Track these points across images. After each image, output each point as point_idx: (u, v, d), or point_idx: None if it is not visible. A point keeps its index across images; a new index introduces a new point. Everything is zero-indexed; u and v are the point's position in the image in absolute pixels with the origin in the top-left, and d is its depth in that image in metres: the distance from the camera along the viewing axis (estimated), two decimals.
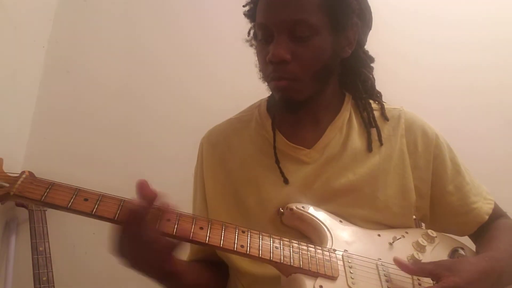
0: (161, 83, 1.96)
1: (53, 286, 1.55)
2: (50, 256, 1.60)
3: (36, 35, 1.88)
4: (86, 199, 0.74)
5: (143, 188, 0.73)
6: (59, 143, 1.85)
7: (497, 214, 1.05)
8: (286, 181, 0.95)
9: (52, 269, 1.58)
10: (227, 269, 1.04)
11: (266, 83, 0.97)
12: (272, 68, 0.90)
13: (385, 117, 1.03)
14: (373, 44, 1.06)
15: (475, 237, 1.05)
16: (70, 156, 1.85)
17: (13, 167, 1.69)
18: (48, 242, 1.63)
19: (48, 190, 0.73)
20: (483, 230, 1.02)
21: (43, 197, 0.72)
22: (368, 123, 1.01)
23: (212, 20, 2.01)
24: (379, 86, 1.08)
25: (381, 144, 0.99)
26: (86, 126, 1.89)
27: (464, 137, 1.71)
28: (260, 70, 0.97)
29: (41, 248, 1.61)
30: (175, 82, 1.96)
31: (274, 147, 0.98)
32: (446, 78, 1.98)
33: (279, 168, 0.96)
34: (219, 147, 1.06)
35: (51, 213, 1.69)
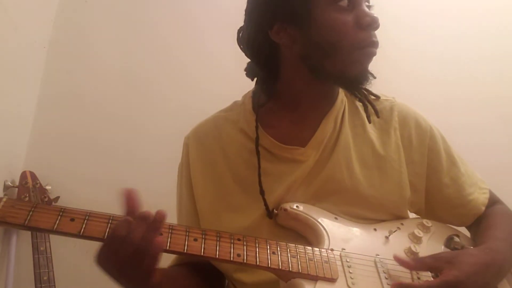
0: (162, 82, 1.86)
1: (54, 285, 1.49)
2: (51, 256, 1.54)
3: (37, 36, 1.79)
4: (72, 219, 0.67)
5: (130, 199, 0.67)
6: (60, 143, 1.78)
7: (492, 201, 0.99)
8: (270, 215, 0.86)
9: (53, 268, 1.51)
10: (216, 270, 0.94)
11: (347, 54, 0.83)
12: (369, 34, 0.83)
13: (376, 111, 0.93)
14: None
15: (469, 225, 1.00)
16: (71, 156, 1.77)
17: (15, 167, 1.63)
18: (49, 241, 1.56)
19: (31, 213, 0.65)
20: (479, 218, 0.97)
21: (26, 221, 0.64)
22: (366, 117, 0.93)
23: (213, 20, 1.91)
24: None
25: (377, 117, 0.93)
26: (87, 126, 1.80)
27: (462, 130, 1.65)
28: (341, 39, 0.82)
29: (42, 248, 1.55)
30: (177, 81, 1.86)
31: (259, 167, 0.87)
32: (444, 71, 1.90)
33: (264, 199, 0.86)
34: (208, 145, 0.95)
35: None
